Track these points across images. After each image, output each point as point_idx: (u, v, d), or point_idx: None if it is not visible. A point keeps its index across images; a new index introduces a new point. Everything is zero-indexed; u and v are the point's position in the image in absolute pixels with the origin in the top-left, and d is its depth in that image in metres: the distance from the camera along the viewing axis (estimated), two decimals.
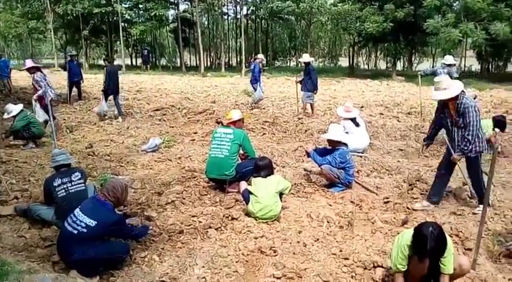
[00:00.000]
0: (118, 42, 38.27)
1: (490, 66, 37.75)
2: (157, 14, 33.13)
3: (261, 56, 16.89)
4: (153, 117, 12.38)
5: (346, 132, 8.46)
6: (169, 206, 5.60)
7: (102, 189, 4.34)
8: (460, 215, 5.50)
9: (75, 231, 3.92)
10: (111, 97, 12.31)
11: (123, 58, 36.00)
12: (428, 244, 3.26)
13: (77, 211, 4.06)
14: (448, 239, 3.46)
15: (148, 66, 35.71)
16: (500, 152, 8.65)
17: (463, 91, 5.31)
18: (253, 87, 15.07)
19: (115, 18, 35.48)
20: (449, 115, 5.46)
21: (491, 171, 3.97)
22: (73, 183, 4.91)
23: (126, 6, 35.87)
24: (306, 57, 13.48)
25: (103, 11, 33.04)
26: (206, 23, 44.67)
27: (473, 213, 5.45)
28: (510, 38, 24.99)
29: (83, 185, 5.03)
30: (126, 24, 37.04)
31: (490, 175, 4.03)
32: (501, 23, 22.12)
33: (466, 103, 5.22)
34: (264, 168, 5.52)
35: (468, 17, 23.22)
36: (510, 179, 7.12)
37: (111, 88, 12.24)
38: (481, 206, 5.25)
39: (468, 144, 5.29)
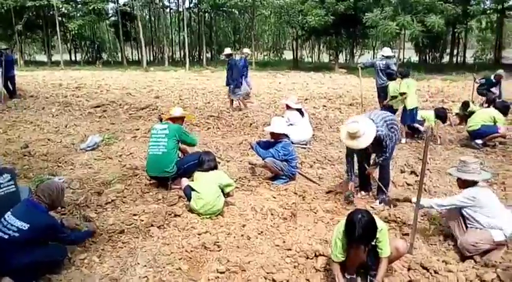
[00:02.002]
0: (55, 37, 36.71)
1: (428, 58, 39.42)
2: (96, 7, 32.00)
3: (246, 50, 16.76)
4: (92, 114, 11.98)
5: (291, 124, 8.58)
6: (110, 206, 5.43)
7: (37, 191, 4.13)
8: (398, 201, 5.69)
9: (6, 236, 3.70)
10: None
11: (61, 53, 34.53)
12: (356, 231, 3.35)
13: (8, 215, 3.83)
14: (382, 223, 3.58)
15: (101, 61, 34.58)
16: (437, 142, 9.07)
17: (374, 124, 5.21)
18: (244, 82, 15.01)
19: (51, 12, 33.95)
20: (366, 150, 5.51)
21: (423, 159, 4.12)
22: (2, 185, 4.61)
23: None
24: (226, 50, 13.37)
25: (37, 4, 31.46)
26: (147, 16, 43.71)
27: (372, 207, 5.49)
28: (444, 30, 26.22)
29: (13, 186, 4.74)
30: (63, 19, 35.53)
31: (423, 162, 4.17)
32: (436, 15, 23.12)
33: (383, 134, 5.19)
34: (208, 162, 5.42)
35: (405, 10, 24.07)
36: (445, 165, 7.44)
37: None
38: (378, 202, 5.59)
39: (383, 159, 5.47)
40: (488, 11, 32.95)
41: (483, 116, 8.72)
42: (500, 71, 13.11)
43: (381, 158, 5.46)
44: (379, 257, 3.60)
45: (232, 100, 12.83)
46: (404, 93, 9.23)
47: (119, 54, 40.55)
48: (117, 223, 4.91)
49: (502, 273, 3.81)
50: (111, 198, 5.61)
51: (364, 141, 5.10)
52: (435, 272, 3.86)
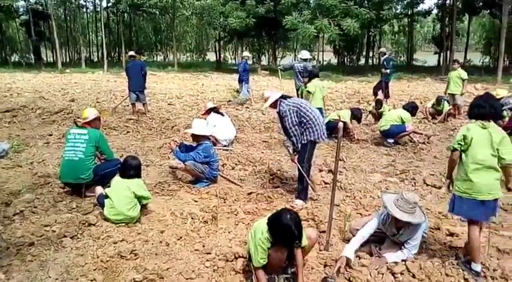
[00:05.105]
0: None
1: (345, 60, 41.18)
2: (3, 4, 29.82)
3: (246, 53, 16.21)
4: (1, 120, 11.15)
5: (214, 125, 8.58)
6: (18, 217, 5.06)
7: None
8: (316, 199, 5.88)
9: None
10: None
11: None
12: (295, 231, 3.40)
13: None
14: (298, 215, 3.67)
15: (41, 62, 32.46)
16: (355, 139, 9.47)
17: (282, 99, 5.80)
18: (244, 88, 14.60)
19: None
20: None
21: (336, 157, 4.27)
22: None
23: None
24: (131, 52, 12.94)
25: None
26: (63, 16, 41.70)
27: (292, 207, 5.68)
28: (360, 34, 27.49)
29: None
30: None
31: (336, 159, 4.32)
32: (351, 19, 24.17)
33: (282, 110, 5.69)
34: (130, 169, 5.16)
35: (323, 14, 24.93)
36: (360, 163, 7.79)
37: None
38: (298, 200, 5.79)
39: (292, 140, 5.79)
40: (400, 16, 35.16)
41: (392, 116, 9.24)
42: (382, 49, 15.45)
43: (290, 137, 5.77)
44: (295, 249, 3.64)
45: (134, 104, 12.18)
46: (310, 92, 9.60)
47: (32, 55, 38.24)
48: (26, 235, 4.59)
49: (410, 265, 4.03)
50: (20, 209, 5.24)
51: (266, 104, 6.07)
52: (350, 267, 4.01)
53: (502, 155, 3.83)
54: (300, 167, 5.76)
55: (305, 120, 5.63)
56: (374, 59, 39.23)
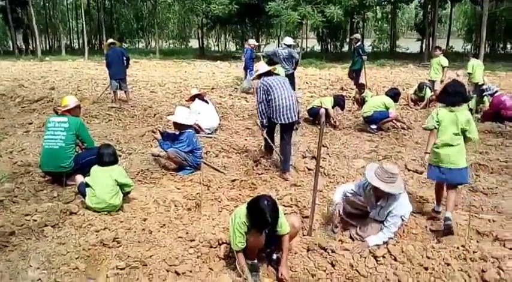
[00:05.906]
0: None
1: (329, 47, 41.18)
2: None
3: (252, 41, 15.92)
4: None
5: (198, 113, 8.52)
6: None
7: None
8: (300, 186, 5.90)
9: None
10: None
11: None
12: (268, 217, 3.42)
13: None
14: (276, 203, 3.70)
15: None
16: (337, 126, 9.50)
17: (264, 75, 6.27)
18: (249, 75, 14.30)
19: None
20: None
21: (319, 143, 4.28)
22: None
23: None
24: (110, 40, 12.73)
25: None
26: (42, 2, 40.83)
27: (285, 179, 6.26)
28: (343, 21, 27.42)
29: None
30: None
31: (319, 146, 4.34)
32: (335, 6, 24.04)
33: (257, 87, 6.29)
34: (107, 156, 5.11)
35: (306, 1, 24.74)
36: (343, 149, 7.83)
37: None
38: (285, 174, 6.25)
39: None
40: (383, 2, 35.22)
41: (375, 102, 9.29)
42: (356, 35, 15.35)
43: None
44: (279, 236, 3.69)
45: (115, 92, 11.93)
46: None
47: (10, 43, 37.43)
48: (6, 225, 4.52)
49: (392, 248, 4.08)
50: (0, 199, 5.16)
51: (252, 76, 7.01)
52: (332, 251, 4.04)
53: (469, 134, 4.74)
54: (268, 140, 6.55)
55: (269, 98, 6.06)
56: None
